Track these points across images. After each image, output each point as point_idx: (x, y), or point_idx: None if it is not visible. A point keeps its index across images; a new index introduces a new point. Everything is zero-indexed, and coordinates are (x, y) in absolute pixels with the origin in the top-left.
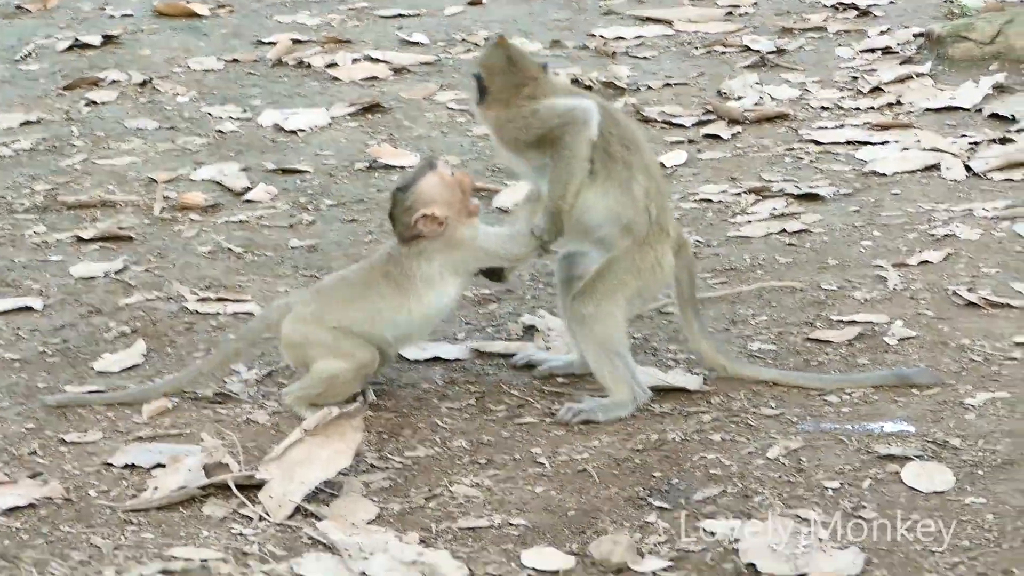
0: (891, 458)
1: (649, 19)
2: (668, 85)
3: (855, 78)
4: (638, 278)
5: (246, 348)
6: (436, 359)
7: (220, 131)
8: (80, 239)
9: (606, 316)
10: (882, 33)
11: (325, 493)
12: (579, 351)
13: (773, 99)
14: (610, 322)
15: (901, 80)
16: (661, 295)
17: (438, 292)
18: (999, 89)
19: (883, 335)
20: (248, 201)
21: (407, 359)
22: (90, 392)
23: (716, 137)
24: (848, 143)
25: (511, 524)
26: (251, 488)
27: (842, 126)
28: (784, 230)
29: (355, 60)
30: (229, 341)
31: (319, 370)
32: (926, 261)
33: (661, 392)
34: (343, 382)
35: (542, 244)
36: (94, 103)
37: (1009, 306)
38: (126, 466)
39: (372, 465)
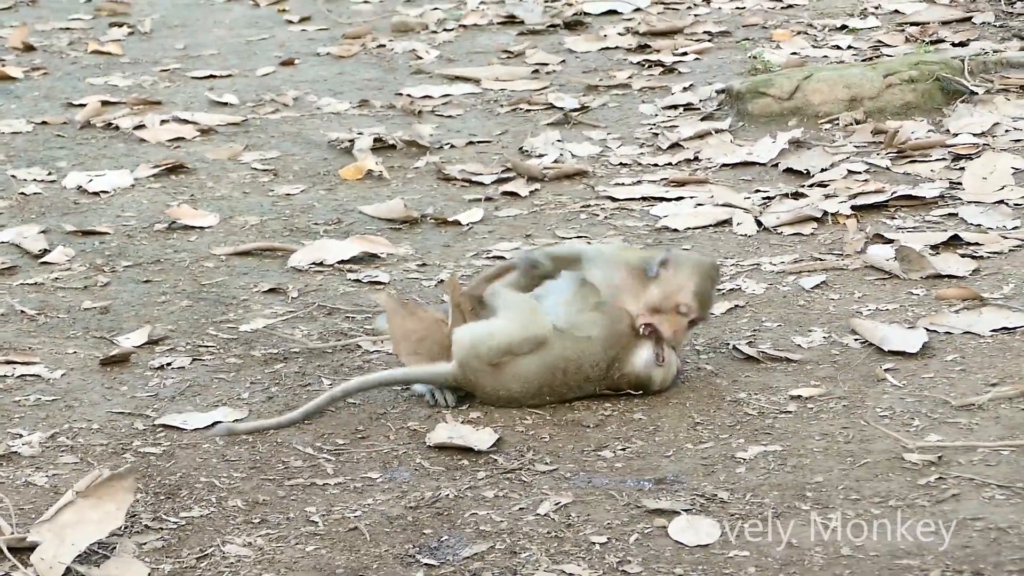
0: (659, 512)
1: (458, 78)
2: (471, 143)
3: (656, 134)
4: None
5: None
6: (217, 423)
7: (23, 193)
8: None
9: None
10: (685, 89)
11: (98, 555)
12: None
13: (574, 156)
14: None
15: (700, 136)
16: None
17: None
18: (796, 144)
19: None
20: (45, 263)
21: (180, 428)
22: None
23: (514, 195)
24: (644, 199)
25: None
26: (23, 551)
27: (639, 182)
28: None
29: (163, 121)
30: None
31: None
32: None
33: (440, 449)
34: None
35: None
36: None
37: (788, 360)
38: None
39: (146, 526)
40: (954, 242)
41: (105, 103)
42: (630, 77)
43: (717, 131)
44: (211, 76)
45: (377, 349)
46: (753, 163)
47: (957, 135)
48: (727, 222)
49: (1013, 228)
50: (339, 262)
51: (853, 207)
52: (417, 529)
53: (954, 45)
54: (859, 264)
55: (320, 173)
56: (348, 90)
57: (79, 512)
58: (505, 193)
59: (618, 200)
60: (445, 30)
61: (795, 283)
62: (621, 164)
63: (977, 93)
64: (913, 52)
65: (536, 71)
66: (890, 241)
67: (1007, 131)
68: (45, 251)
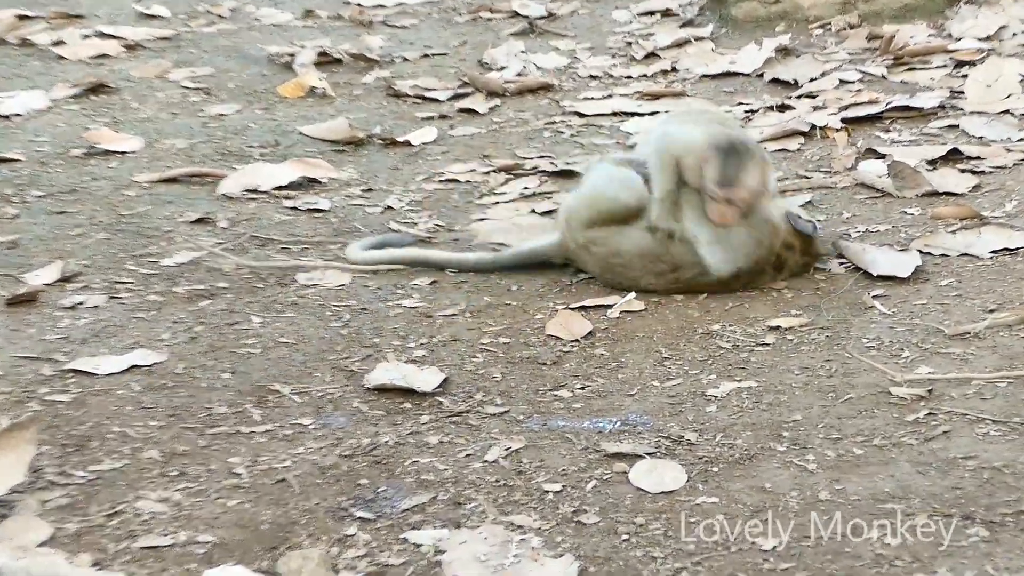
0: (620, 456)
1: None
2: (426, 56)
3: (630, 43)
4: None
5: None
6: (134, 367)
7: None
8: None
9: None
10: None
11: None
12: None
13: (539, 68)
14: None
15: (679, 45)
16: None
17: None
18: (783, 52)
19: (621, 320)
20: None
21: (92, 373)
22: None
23: (471, 112)
24: (614, 115)
25: (197, 541)
26: None
27: (610, 96)
28: (533, 211)
29: (85, 37)
30: None
31: None
32: None
33: (380, 392)
34: None
35: None
36: None
37: (770, 287)
38: None
39: (51, 481)
40: (953, 156)
41: (22, 17)
42: None
43: (697, 39)
44: None
45: (315, 283)
46: (736, 73)
47: (960, 40)
48: None
49: (1019, 140)
50: (275, 188)
51: (844, 120)
52: (352, 480)
53: None
54: (849, 182)
55: (257, 91)
56: (291, 0)
57: None
58: (461, 110)
59: (586, 116)
60: None
61: None
62: (591, 77)
63: None
64: None
65: None
66: (883, 156)
67: (1014, 35)
68: None
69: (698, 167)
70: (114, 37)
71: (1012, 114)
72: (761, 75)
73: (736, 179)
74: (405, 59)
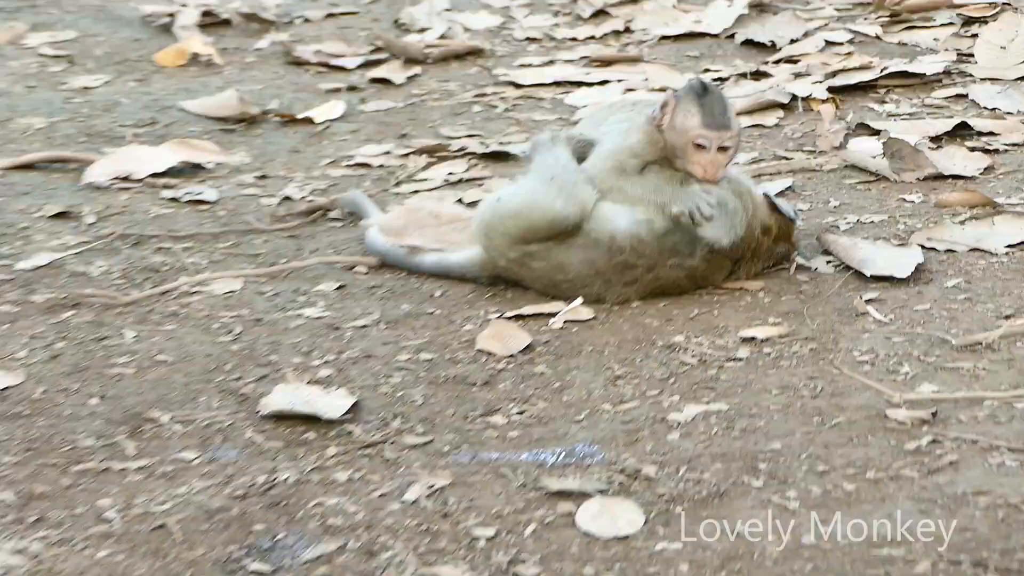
0: (564, 495)
1: None
2: (332, 15)
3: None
4: None
5: None
6: None
7: None
8: None
9: None
10: None
11: None
12: None
13: (466, 30)
14: None
15: (634, 1)
16: None
17: None
18: (758, 8)
19: (566, 331)
20: None
21: None
22: None
23: (386, 82)
24: (556, 85)
25: None
26: None
27: (551, 63)
28: (460, 200)
29: None
30: None
31: None
32: None
33: (278, 419)
34: None
35: None
36: None
37: (740, 290)
38: None
39: None
40: (961, 132)
41: None
42: None
43: None
44: None
45: (198, 290)
46: (702, 34)
47: None
48: None
49: None
50: (151, 176)
51: (831, 89)
52: (245, 525)
53: None
54: (837, 163)
55: (130, 59)
56: None
57: None
58: (374, 80)
59: (523, 87)
60: None
61: None
62: (528, 39)
63: None
64: None
65: None
66: (878, 132)
67: None
68: None
69: (647, 143)
70: None
71: None
72: (732, 36)
73: (724, 120)
74: (306, 19)
